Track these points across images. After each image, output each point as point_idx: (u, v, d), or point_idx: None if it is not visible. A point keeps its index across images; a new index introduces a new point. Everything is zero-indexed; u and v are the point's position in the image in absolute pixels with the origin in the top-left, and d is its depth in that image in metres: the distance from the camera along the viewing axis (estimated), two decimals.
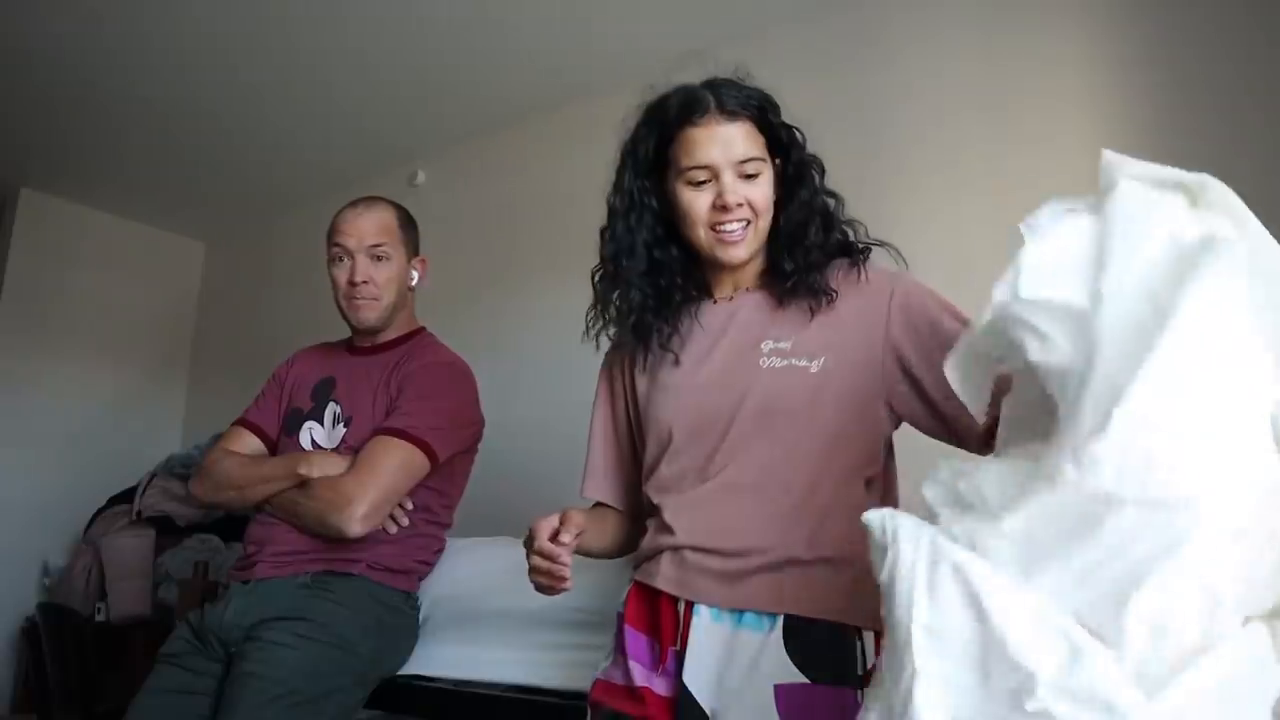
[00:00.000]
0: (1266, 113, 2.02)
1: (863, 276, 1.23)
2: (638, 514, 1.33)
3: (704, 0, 2.70)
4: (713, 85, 1.21)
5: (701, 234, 1.21)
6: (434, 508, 1.83)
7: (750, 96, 1.21)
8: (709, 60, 1.26)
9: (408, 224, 1.89)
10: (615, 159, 1.29)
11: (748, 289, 1.28)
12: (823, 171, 1.26)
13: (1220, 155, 2.04)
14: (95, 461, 3.92)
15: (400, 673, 1.80)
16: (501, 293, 3.30)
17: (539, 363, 3.05)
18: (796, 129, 1.25)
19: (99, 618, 3.13)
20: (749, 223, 1.20)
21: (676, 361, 1.26)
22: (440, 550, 1.88)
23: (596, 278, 1.31)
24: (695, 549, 1.17)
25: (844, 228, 1.26)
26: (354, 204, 1.85)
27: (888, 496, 1.23)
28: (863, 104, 2.57)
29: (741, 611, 1.13)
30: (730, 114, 1.18)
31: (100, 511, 3.48)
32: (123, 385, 4.24)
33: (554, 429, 2.94)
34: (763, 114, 1.22)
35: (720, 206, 1.18)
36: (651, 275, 1.26)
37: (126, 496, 3.46)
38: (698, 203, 1.19)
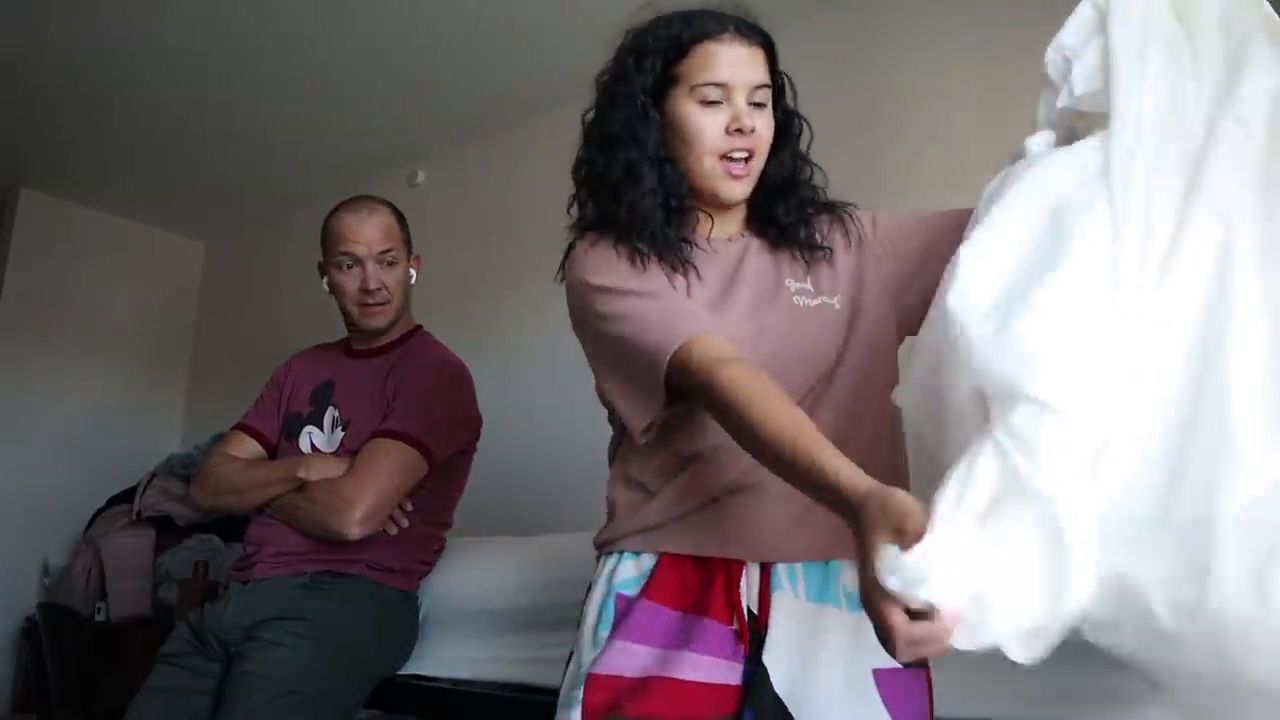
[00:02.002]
0: None
1: (850, 222, 1.19)
2: None
3: (703, 2, 2.70)
4: (724, 13, 1.14)
5: (706, 162, 1.10)
6: (434, 508, 1.83)
7: (760, 30, 1.14)
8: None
9: (404, 223, 1.89)
10: (608, 71, 1.19)
11: (741, 234, 1.18)
12: (802, 132, 1.20)
13: None
14: (95, 461, 3.91)
15: (400, 672, 1.80)
16: (501, 292, 3.30)
17: (538, 362, 3.05)
18: (789, 78, 1.19)
19: (99, 618, 3.13)
20: (750, 156, 1.11)
21: (689, 292, 1.10)
22: (440, 550, 1.88)
23: (585, 193, 1.18)
24: (765, 491, 1.01)
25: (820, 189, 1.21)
26: (354, 209, 1.82)
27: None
28: (862, 103, 2.57)
29: (826, 565, 1.02)
30: (747, 38, 1.11)
31: (100, 511, 3.48)
32: (123, 385, 4.24)
33: (553, 429, 2.95)
34: (771, 50, 1.14)
35: (736, 130, 1.08)
36: (663, 189, 1.11)
37: (126, 496, 3.46)
38: (709, 124, 1.09)
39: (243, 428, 1.88)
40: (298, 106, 3.36)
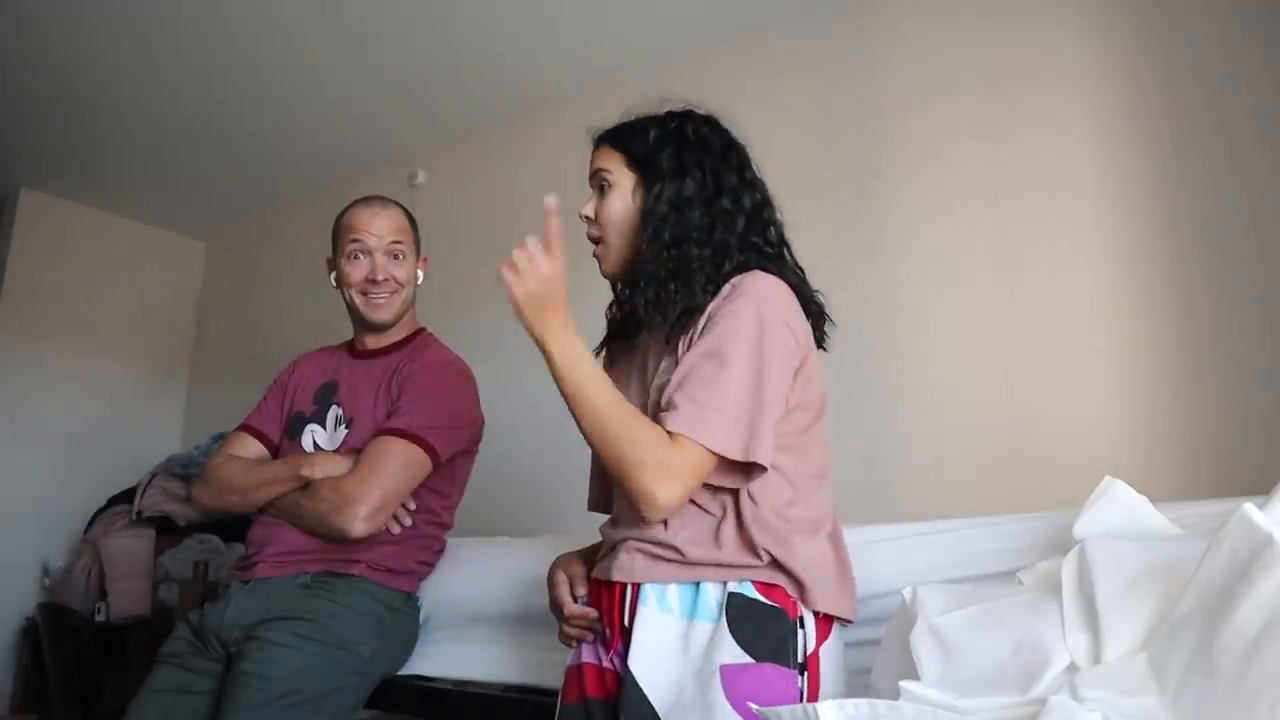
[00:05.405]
0: (1266, 117, 2.02)
1: None
2: None
3: (704, 2, 2.70)
4: None
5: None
6: (435, 508, 1.83)
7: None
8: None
9: (414, 225, 1.92)
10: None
11: None
12: None
13: (1218, 160, 2.04)
14: (95, 461, 3.92)
15: (400, 673, 1.80)
16: (500, 293, 3.29)
17: (537, 364, 3.04)
18: None
19: (99, 618, 3.13)
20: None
21: None
22: (441, 551, 1.88)
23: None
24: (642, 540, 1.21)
25: None
26: (368, 203, 1.87)
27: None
28: (862, 107, 2.57)
29: (696, 588, 1.14)
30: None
31: (100, 511, 3.49)
32: (123, 385, 4.24)
33: (553, 430, 2.94)
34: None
35: None
36: None
37: (126, 496, 3.46)
38: None
39: (245, 428, 1.89)
40: (298, 106, 3.37)
